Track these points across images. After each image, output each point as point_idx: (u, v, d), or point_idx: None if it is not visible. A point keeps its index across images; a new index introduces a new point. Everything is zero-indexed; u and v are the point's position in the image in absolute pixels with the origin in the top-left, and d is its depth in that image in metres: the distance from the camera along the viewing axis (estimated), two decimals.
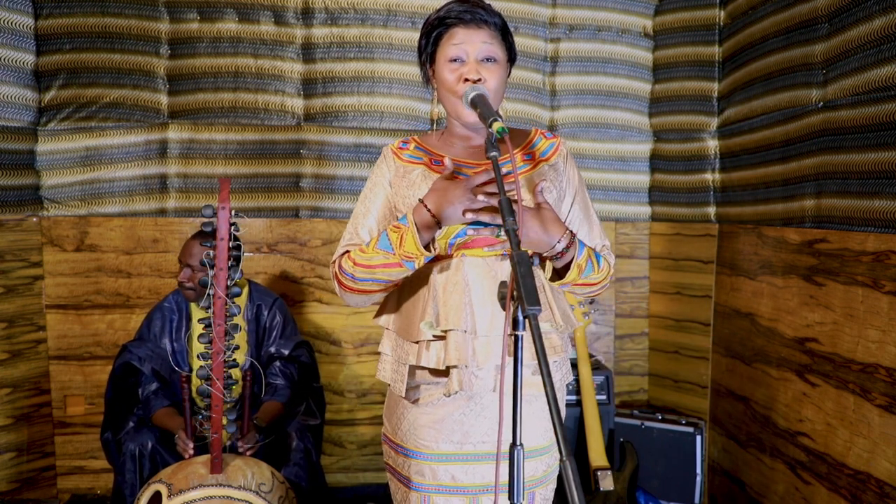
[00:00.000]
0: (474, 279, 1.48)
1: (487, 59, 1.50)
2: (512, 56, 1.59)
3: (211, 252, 1.97)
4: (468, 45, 1.49)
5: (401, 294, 1.57)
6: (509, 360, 1.21)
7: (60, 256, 3.12)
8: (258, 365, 2.57)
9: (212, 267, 1.96)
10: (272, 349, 2.65)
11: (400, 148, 1.61)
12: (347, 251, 1.52)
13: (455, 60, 1.50)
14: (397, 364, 1.56)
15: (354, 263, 1.47)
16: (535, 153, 1.61)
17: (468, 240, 1.50)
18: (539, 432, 1.57)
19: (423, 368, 1.52)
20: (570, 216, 1.62)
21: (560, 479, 1.51)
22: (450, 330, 1.46)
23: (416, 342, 1.51)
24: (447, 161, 1.47)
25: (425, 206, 1.40)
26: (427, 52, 1.56)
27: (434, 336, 1.48)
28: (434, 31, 1.54)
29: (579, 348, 3.02)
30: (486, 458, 1.53)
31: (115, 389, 2.60)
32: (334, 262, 1.54)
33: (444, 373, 1.50)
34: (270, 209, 3.25)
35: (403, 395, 1.54)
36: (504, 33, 1.55)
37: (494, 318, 1.47)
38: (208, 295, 1.98)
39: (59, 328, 3.12)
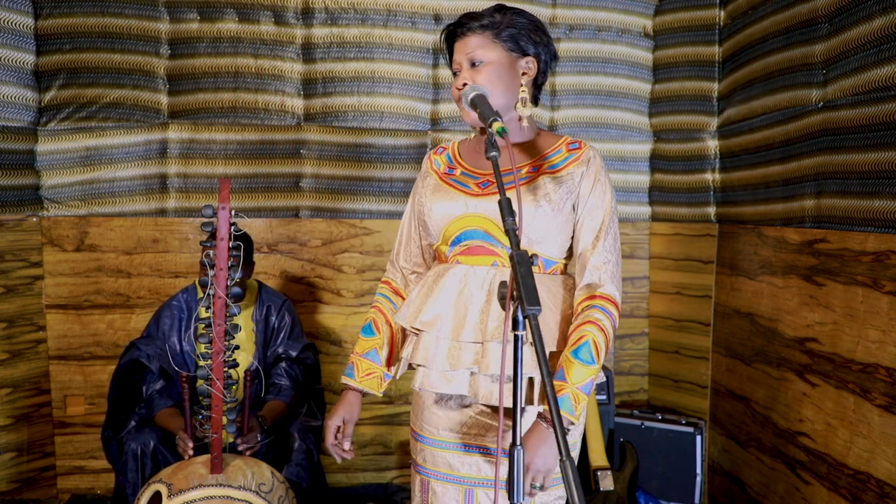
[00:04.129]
0: (459, 287, 1.52)
1: (474, 64, 1.54)
2: (520, 48, 1.55)
3: (211, 252, 1.97)
4: (460, 57, 1.56)
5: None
6: (509, 360, 1.22)
7: (60, 256, 3.12)
8: (261, 369, 2.57)
9: (212, 267, 1.97)
10: (280, 350, 2.67)
11: (436, 153, 1.70)
12: (388, 282, 1.74)
13: (456, 74, 1.58)
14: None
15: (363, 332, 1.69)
16: (542, 165, 1.56)
17: (464, 248, 1.54)
18: None
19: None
20: (577, 225, 1.55)
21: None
22: (421, 331, 1.53)
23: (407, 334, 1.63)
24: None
25: (342, 392, 1.68)
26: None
27: (414, 329, 1.57)
28: (447, 49, 1.64)
29: None
30: (482, 452, 1.55)
31: (118, 387, 2.60)
32: (382, 280, 1.75)
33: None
34: (270, 209, 3.25)
35: (397, 377, 1.66)
36: (499, 31, 1.53)
37: (477, 327, 1.48)
38: (208, 295, 1.99)
39: (59, 328, 3.12)
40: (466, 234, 1.54)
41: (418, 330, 1.55)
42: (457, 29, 1.57)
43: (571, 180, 1.54)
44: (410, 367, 1.61)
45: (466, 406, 1.56)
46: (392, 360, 1.67)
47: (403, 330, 1.68)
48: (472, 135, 1.70)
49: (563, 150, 1.58)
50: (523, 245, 1.50)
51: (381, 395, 1.67)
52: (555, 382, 1.39)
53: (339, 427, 1.62)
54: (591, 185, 1.55)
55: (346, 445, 1.61)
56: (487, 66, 1.52)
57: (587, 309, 1.47)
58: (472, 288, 1.50)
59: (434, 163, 1.67)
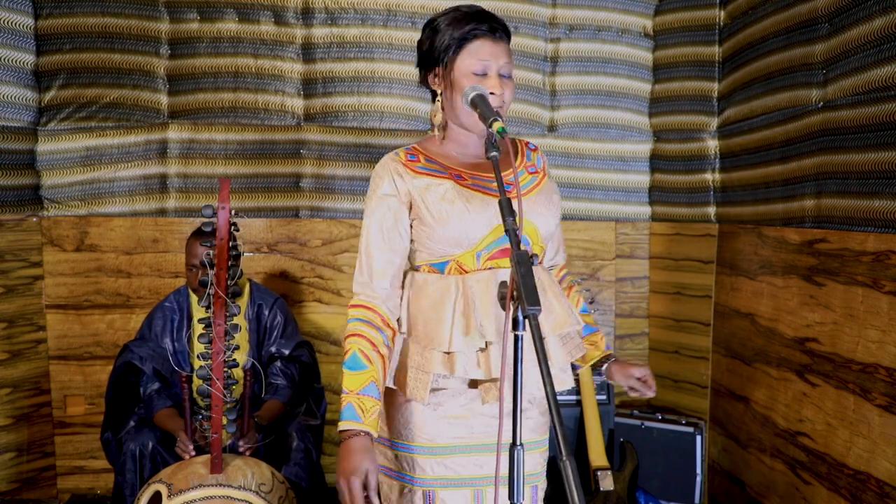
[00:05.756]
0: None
1: (506, 75, 1.52)
2: None
3: (211, 252, 1.97)
4: (492, 60, 1.50)
5: (418, 303, 1.54)
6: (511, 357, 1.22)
7: (60, 256, 3.12)
8: (259, 365, 2.57)
9: (212, 267, 1.97)
10: (273, 349, 2.66)
11: (409, 160, 1.56)
12: (368, 308, 1.52)
13: (477, 74, 1.50)
14: (417, 371, 1.52)
15: (345, 359, 1.50)
16: (533, 165, 1.65)
17: (495, 251, 1.51)
18: (538, 426, 1.60)
19: (448, 377, 1.52)
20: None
21: (560, 479, 1.52)
22: (490, 342, 1.47)
23: (448, 352, 1.48)
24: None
25: (349, 439, 1.49)
26: (446, 56, 1.52)
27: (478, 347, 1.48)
28: (458, 37, 1.51)
29: None
30: (490, 449, 1.53)
31: (115, 389, 2.60)
32: (352, 306, 1.54)
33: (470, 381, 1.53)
34: (270, 209, 3.25)
35: (426, 402, 1.51)
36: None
37: (543, 323, 1.51)
38: (208, 295, 1.99)
39: (59, 328, 3.12)
40: (503, 239, 1.49)
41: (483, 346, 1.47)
42: (498, 29, 1.51)
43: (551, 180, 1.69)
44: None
45: (476, 404, 1.54)
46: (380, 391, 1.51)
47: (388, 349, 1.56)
48: (430, 137, 1.64)
49: (529, 151, 1.69)
50: (541, 241, 1.59)
51: (377, 435, 1.51)
52: (594, 336, 1.74)
53: (364, 483, 1.43)
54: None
55: (376, 501, 1.43)
56: (511, 82, 1.53)
57: (567, 276, 1.79)
58: None
59: (422, 168, 1.55)
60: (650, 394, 1.69)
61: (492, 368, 1.46)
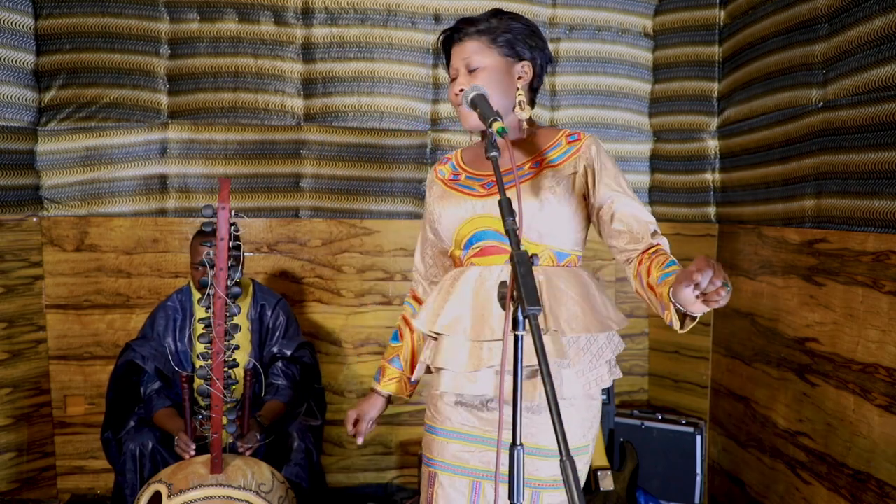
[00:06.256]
0: (475, 288, 1.52)
1: (471, 70, 1.56)
2: (516, 53, 1.57)
3: (211, 252, 1.97)
4: (457, 63, 1.59)
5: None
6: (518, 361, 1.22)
7: (60, 256, 3.12)
8: (259, 367, 2.57)
9: (212, 267, 1.97)
10: (275, 349, 2.66)
11: (441, 164, 1.73)
12: (412, 291, 1.85)
13: (453, 80, 1.60)
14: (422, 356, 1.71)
15: (394, 336, 1.83)
16: (543, 161, 1.57)
17: (477, 250, 1.55)
18: (571, 429, 1.54)
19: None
20: (600, 202, 1.54)
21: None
22: (441, 334, 1.54)
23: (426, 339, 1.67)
24: None
25: (368, 392, 1.83)
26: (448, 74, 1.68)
27: (432, 334, 1.58)
28: (444, 54, 1.67)
29: None
30: (493, 445, 1.53)
31: (116, 388, 2.60)
32: (409, 293, 1.86)
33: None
34: (270, 209, 3.25)
35: (412, 380, 1.76)
36: (495, 36, 1.56)
37: (497, 325, 1.47)
38: (208, 295, 1.99)
39: (59, 328, 3.12)
40: (478, 236, 1.55)
41: (437, 334, 1.56)
42: (454, 34, 1.60)
43: (576, 172, 1.54)
44: (428, 369, 1.65)
45: (487, 401, 1.55)
46: (414, 364, 1.75)
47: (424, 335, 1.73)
48: (473, 141, 1.74)
49: (562, 143, 1.58)
50: (535, 240, 1.51)
51: (408, 396, 1.79)
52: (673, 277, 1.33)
53: (356, 419, 1.77)
54: (600, 174, 1.54)
55: (359, 441, 1.77)
56: (484, 71, 1.55)
57: (652, 250, 1.48)
58: (487, 287, 1.50)
59: (439, 172, 1.71)
60: (709, 274, 1.19)
61: (436, 360, 1.56)
